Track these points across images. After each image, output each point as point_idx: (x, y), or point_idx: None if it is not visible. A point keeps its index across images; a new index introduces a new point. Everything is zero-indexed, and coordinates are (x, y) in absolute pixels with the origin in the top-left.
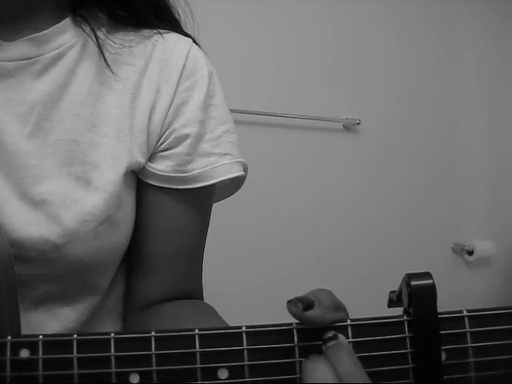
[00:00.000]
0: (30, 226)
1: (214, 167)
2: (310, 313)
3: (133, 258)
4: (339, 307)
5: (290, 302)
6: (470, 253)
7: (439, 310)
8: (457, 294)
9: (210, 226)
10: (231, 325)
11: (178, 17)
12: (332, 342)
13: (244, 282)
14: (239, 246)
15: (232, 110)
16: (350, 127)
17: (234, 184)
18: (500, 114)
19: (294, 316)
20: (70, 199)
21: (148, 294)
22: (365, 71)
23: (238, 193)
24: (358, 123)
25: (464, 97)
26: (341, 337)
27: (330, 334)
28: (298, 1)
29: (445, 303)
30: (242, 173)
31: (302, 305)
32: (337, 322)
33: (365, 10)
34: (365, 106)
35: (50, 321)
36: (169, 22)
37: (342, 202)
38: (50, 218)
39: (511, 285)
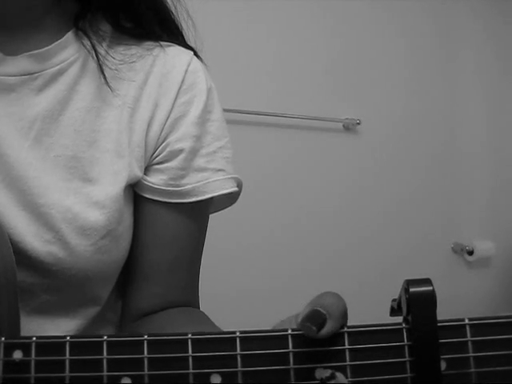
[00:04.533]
0: (33, 237)
1: (207, 183)
2: (323, 331)
3: (128, 269)
4: (345, 311)
5: (302, 326)
6: (470, 253)
7: (439, 310)
8: (457, 294)
9: (209, 227)
10: (227, 329)
11: (180, 27)
12: (330, 383)
13: (241, 285)
14: (237, 246)
15: (232, 110)
16: (350, 127)
17: (229, 199)
18: (500, 115)
19: (308, 336)
20: (70, 213)
21: (142, 305)
22: (365, 71)
23: None
24: (358, 123)
25: (465, 97)
26: (339, 375)
27: (327, 373)
28: (298, 1)
29: (445, 303)
30: (235, 189)
31: (315, 327)
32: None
33: (365, 10)
34: (365, 105)
35: (50, 329)
36: (172, 32)
37: (341, 202)
38: (52, 230)
39: (511, 285)
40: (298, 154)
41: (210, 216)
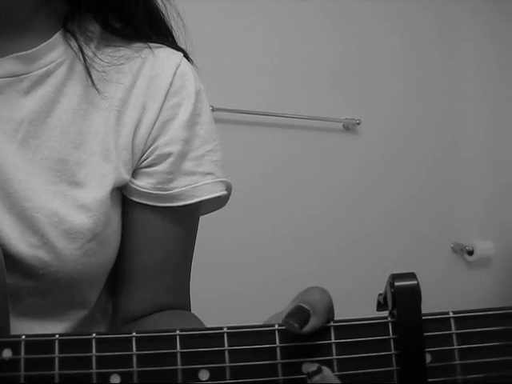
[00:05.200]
0: (18, 240)
1: (196, 186)
2: (307, 328)
3: (117, 272)
4: (331, 306)
5: (285, 323)
6: (470, 253)
7: (439, 310)
8: (457, 294)
9: (206, 228)
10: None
11: (171, 27)
12: (317, 377)
13: (238, 286)
14: (235, 247)
15: (232, 110)
16: (350, 127)
17: (218, 202)
18: (501, 115)
19: (292, 333)
20: (57, 216)
21: (132, 309)
22: (365, 71)
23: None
24: (358, 123)
25: (465, 97)
26: (325, 369)
27: (314, 367)
28: (298, 1)
29: (444, 303)
30: (223, 192)
31: (298, 325)
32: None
33: (365, 10)
34: (365, 106)
35: (38, 332)
36: (162, 32)
37: (341, 202)
38: (38, 234)
39: (511, 285)
40: (298, 154)
41: (210, 217)
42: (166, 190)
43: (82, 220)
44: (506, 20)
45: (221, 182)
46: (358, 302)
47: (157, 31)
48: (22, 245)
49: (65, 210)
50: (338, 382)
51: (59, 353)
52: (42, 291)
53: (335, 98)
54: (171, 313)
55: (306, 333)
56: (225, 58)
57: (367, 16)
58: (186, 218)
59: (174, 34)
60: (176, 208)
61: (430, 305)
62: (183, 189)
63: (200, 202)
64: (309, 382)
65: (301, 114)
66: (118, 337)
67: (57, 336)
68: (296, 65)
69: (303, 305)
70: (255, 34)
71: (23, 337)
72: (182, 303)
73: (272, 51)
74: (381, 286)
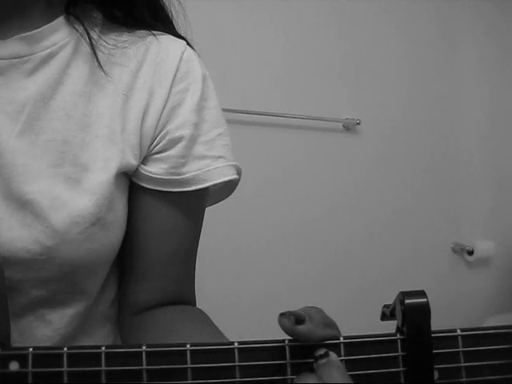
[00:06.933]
0: (18, 226)
1: (208, 170)
2: (301, 327)
3: (125, 262)
4: (329, 324)
5: (282, 314)
6: (470, 253)
7: (439, 311)
8: (457, 295)
9: (207, 229)
10: (226, 331)
11: (171, 16)
12: (323, 360)
13: (240, 288)
14: (234, 249)
15: (232, 110)
16: (350, 127)
17: (227, 188)
18: (502, 114)
19: (285, 329)
20: (59, 200)
21: (141, 299)
22: (365, 71)
23: (236, 193)
24: (358, 123)
25: (465, 97)
26: (332, 354)
27: (321, 351)
28: (299, 2)
29: (445, 304)
30: (235, 176)
31: (293, 317)
32: (327, 338)
33: (365, 11)
34: (365, 106)
35: (41, 326)
36: (163, 21)
37: (341, 202)
38: (39, 218)
39: (511, 285)
40: (298, 154)
41: (211, 218)
42: (178, 174)
43: (84, 203)
44: (508, 17)
45: (232, 165)
46: (358, 299)
47: (158, 20)
48: (23, 231)
49: (68, 193)
50: (343, 368)
51: (68, 366)
52: (43, 282)
53: (335, 98)
54: (181, 309)
55: (299, 332)
56: (225, 58)
57: (367, 16)
58: (196, 205)
59: (174, 25)
60: (188, 193)
61: (430, 305)
62: (196, 173)
63: (212, 185)
64: (315, 364)
65: (301, 114)
66: (127, 351)
67: (65, 349)
68: (296, 65)
69: (299, 312)
70: (256, 35)
71: (30, 349)
72: (189, 293)
73: (272, 52)
74: (381, 286)
